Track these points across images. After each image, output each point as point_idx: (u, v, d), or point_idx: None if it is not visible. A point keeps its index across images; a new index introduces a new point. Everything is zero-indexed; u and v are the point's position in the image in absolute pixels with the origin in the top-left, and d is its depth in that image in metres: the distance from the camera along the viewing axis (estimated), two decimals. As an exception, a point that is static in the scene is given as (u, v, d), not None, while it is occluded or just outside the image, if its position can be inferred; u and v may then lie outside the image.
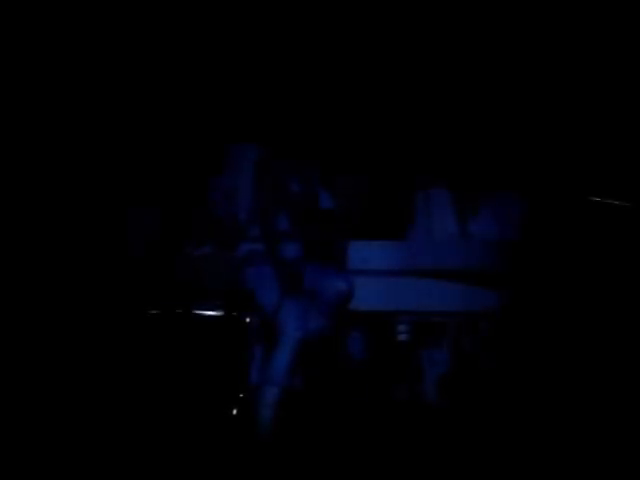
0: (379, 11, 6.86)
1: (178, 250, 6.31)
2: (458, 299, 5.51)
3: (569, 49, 6.73)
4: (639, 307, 5.42)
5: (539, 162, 6.56)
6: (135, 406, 5.67)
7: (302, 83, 6.58)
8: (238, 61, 6.75)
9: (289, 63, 6.76)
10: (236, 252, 5.76)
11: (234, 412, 5.64)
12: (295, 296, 5.57)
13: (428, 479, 5.12)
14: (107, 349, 6.02)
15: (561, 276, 5.47)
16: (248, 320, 5.80)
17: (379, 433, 5.54)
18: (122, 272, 6.38)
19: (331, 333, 5.58)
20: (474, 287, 5.50)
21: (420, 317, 5.58)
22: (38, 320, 6.18)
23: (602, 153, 6.70)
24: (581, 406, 5.30)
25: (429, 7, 6.81)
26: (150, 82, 6.62)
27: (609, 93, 6.72)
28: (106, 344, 6.03)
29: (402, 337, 5.66)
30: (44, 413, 5.54)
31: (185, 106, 6.68)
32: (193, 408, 5.68)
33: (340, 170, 6.29)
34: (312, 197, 5.98)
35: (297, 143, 6.09)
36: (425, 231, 5.92)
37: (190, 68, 6.71)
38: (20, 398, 5.58)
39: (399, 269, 5.52)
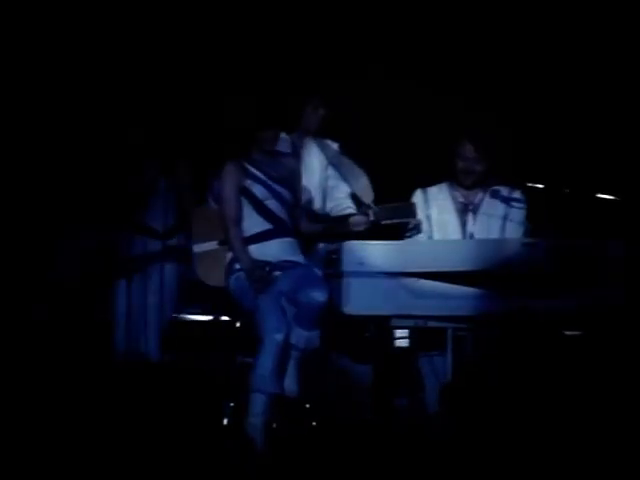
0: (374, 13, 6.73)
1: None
2: (460, 303, 5.31)
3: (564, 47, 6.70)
4: None
5: (542, 159, 6.48)
6: (121, 415, 5.53)
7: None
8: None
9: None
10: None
11: (224, 422, 5.48)
12: (271, 298, 5.37)
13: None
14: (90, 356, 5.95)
15: (568, 278, 5.29)
16: (238, 325, 5.63)
17: (377, 443, 5.33)
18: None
19: (317, 340, 5.38)
20: (477, 290, 5.29)
21: (419, 322, 5.37)
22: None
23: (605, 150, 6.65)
24: (589, 416, 5.15)
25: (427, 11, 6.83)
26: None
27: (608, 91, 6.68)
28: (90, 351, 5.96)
29: (401, 343, 5.50)
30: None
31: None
32: (181, 418, 5.54)
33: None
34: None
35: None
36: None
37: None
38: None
39: (396, 271, 5.31)
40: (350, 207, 5.93)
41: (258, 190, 5.52)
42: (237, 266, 5.50)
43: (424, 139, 6.67)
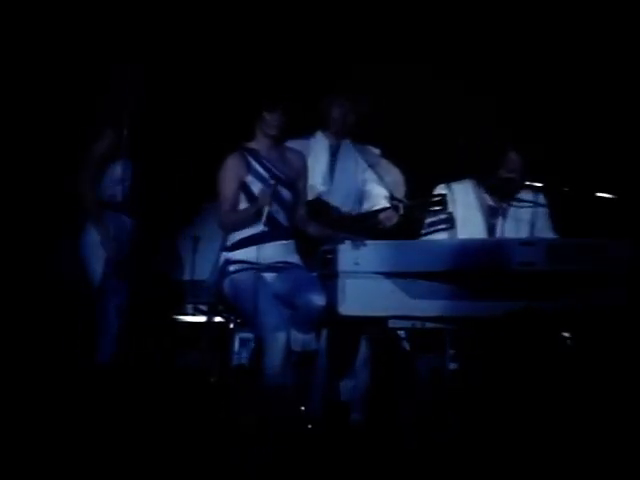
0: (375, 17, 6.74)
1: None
2: (458, 304, 5.24)
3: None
4: None
5: (543, 158, 6.41)
6: (116, 416, 5.42)
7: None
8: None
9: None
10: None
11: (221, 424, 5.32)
12: (267, 298, 5.29)
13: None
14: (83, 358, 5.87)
15: (569, 278, 5.20)
16: (232, 326, 5.57)
17: (374, 445, 5.28)
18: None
19: (313, 343, 5.32)
20: (475, 291, 5.21)
21: (417, 323, 5.29)
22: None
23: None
24: (591, 417, 5.08)
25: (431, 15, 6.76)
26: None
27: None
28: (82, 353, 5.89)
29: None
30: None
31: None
32: (172, 422, 5.44)
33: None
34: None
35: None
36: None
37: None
38: None
39: (393, 271, 5.23)
40: (386, 205, 5.83)
41: (257, 189, 5.38)
42: (231, 268, 5.40)
43: (437, 134, 6.61)
